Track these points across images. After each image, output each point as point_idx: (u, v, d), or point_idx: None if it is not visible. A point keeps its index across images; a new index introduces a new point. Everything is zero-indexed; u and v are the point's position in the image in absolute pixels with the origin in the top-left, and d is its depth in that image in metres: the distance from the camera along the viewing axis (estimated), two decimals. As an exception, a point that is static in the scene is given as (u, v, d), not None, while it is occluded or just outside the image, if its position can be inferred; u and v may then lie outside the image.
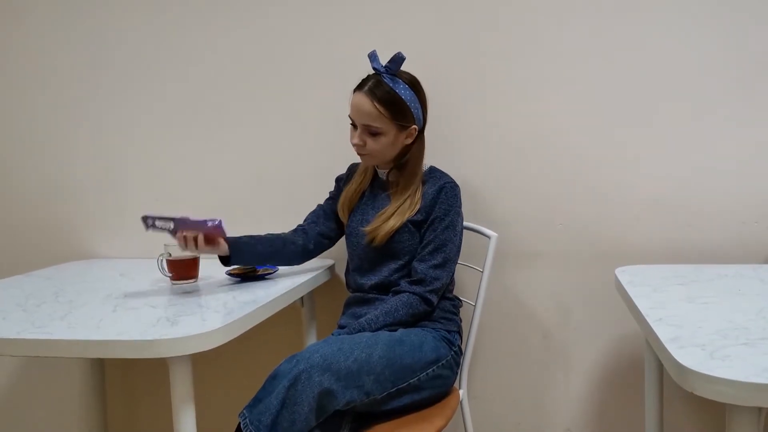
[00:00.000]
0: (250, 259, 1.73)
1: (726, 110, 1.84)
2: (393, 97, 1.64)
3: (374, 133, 1.66)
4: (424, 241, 1.67)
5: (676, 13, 1.84)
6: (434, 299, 1.65)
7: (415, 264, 1.66)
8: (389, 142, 1.67)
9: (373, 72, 1.68)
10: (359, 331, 1.57)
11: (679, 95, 1.86)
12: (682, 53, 1.85)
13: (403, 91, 1.66)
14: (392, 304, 1.62)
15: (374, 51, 1.68)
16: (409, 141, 1.71)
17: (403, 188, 1.71)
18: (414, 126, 1.70)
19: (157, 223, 1.62)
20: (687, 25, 1.84)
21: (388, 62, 1.67)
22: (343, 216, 1.80)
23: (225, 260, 1.70)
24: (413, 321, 1.64)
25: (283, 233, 1.81)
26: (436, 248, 1.65)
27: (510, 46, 1.92)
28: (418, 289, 1.63)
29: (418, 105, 1.69)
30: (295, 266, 1.86)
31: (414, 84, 1.70)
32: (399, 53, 1.66)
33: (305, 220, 1.86)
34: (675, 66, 1.85)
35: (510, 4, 1.91)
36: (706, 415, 1.93)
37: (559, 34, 1.90)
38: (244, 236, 1.73)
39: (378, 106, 1.63)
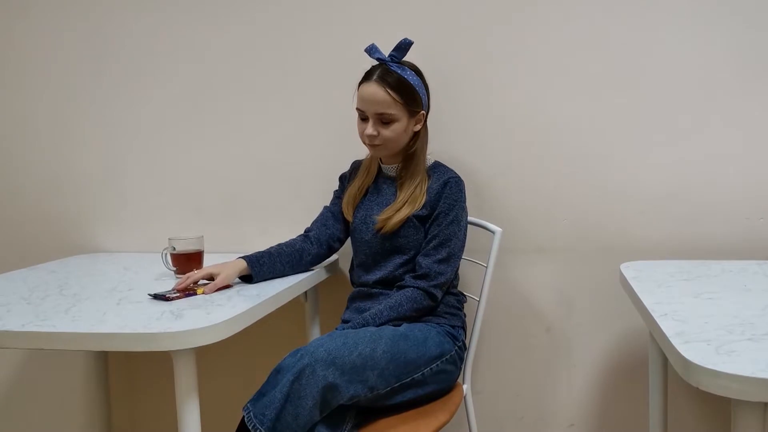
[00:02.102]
0: (271, 276, 1.70)
1: (731, 106, 1.83)
2: (404, 83, 1.66)
3: (388, 121, 1.66)
4: (429, 236, 1.67)
5: (683, 11, 1.83)
6: (438, 294, 1.64)
7: (420, 259, 1.66)
8: (402, 129, 1.68)
9: (376, 63, 1.69)
10: (363, 325, 1.57)
11: (684, 90, 1.85)
12: (687, 51, 1.84)
13: (411, 78, 1.68)
14: (396, 298, 1.62)
15: (373, 44, 1.70)
16: (418, 128, 1.73)
17: (410, 178, 1.71)
18: (422, 112, 1.72)
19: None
20: (693, 24, 1.83)
21: (393, 50, 1.69)
22: (348, 214, 1.80)
23: (247, 278, 1.68)
24: (417, 315, 1.64)
25: (296, 242, 1.79)
26: (440, 243, 1.65)
27: (517, 41, 1.92)
28: (422, 283, 1.63)
29: (424, 91, 1.72)
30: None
31: (418, 71, 1.72)
32: (405, 39, 1.68)
33: (314, 223, 1.85)
34: (680, 63, 1.84)
35: (514, 3, 1.91)
36: (711, 411, 1.92)
37: (565, 30, 1.89)
38: (264, 254, 1.70)
39: (391, 92, 1.64)
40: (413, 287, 1.63)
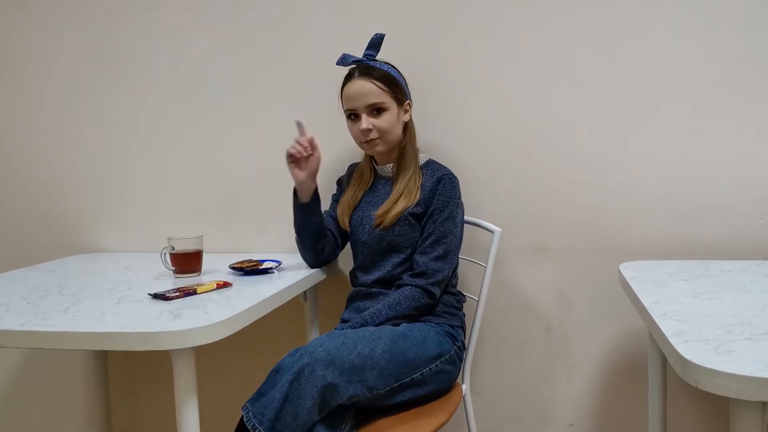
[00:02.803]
0: (309, 216, 1.74)
1: (730, 106, 1.83)
2: (386, 74, 1.70)
3: (379, 111, 1.68)
4: (425, 234, 1.67)
5: (683, 11, 1.83)
6: (437, 291, 1.64)
7: (417, 257, 1.66)
8: (394, 119, 1.70)
9: (353, 66, 1.73)
10: (362, 324, 1.57)
11: (684, 90, 1.85)
12: (686, 48, 1.84)
13: (390, 70, 1.72)
14: (395, 297, 1.62)
15: (343, 54, 1.74)
16: (407, 118, 1.75)
17: (403, 172, 1.73)
18: (408, 101, 1.75)
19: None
20: (691, 21, 1.83)
21: (367, 49, 1.73)
22: (343, 224, 1.80)
23: (299, 201, 1.74)
24: (416, 314, 1.64)
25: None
26: (436, 240, 1.66)
27: (518, 41, 1.92)
28: (420, 281, 1.63)
29: (404, 82, 1.76)
30: (299, 261, 1.85)
31: (394, 65, 1.76)
32: (376, 34, 1.73)
33: None
34: (679, 61, 1.84)
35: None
36: (710, 411, 1.92)
37: (565, 30, 1.89)
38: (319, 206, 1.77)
39: (377, 83, 1.68)
40: (411, 285, 1.63)
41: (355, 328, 1.56)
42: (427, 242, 1.66)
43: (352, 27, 1.99)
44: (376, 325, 1.57)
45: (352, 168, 1.89)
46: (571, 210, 1.94)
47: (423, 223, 1.69)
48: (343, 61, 1.73)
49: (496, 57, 1.93)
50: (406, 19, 1.95)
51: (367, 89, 1.67)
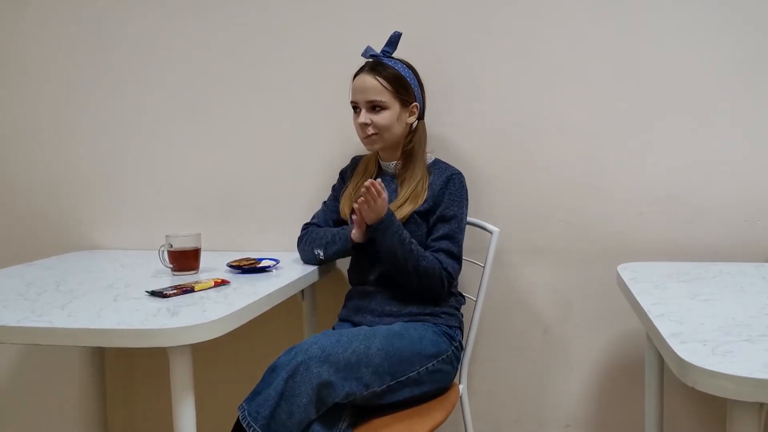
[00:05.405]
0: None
1: (729, 108, 1.84)
2: (395, 74, 1.70)
3: (379, 108, 1.69)
4: (437, 234, 1.68)
5: (683, 12, 1.83)
6: (451, 282, 1.66)
7: (438, 256, 1.66)
8: (394, 117, 1.70)
9: (369, 59, 1.74)
10: (398, 234, 1.58)
11: (683, 92, 1.85)
12: (687, 52, 1.84)
13: (402, 70, 1.72)
14: (427, 256, 1.62)
15: (368, 46, 1.75)
16: (412, 120, 1.74)
17: (411, 175, 1.73)
18: (415, 103, 1.74)
19: None
20: (693, 25, 1.83)
21: (385, 45, 1.74)
22: (344, 214, 1.80)
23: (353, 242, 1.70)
24: (419, 287, 1.64)
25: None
26: (450, 241, 1.67)
27: (518, 43, 1.92)
28: (448, 266, 1.64)
29: (417, 84, 1.75)
30: (297, 260, 1.85)
31: (411, 66, 1.76)
32: (395, 32, 1.74)
33: (314, 218, 1.85)
34: (680, 64, 1.85)
35: (513, 1, 1.91)
36: (707, 411, 1.92)
37: (566, 32, 1.89)
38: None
39: (381, 80, 1.68)
40: (441, 266, 1.63)
41: (392, 237, 1.57)
42: (442, 243, 1.66)
43: (354, 26, 1.98)
44: (402, 248, 1.59)
45: (356, 160, 1.89)
46: (570, 211, 1.94)
47: (433, 221, 1.69)
48: (365, 53, 1.75)
49: (499, 58, 1.93)
50: (411, 18, 1.95)
51: (371, 85, 1.68)
